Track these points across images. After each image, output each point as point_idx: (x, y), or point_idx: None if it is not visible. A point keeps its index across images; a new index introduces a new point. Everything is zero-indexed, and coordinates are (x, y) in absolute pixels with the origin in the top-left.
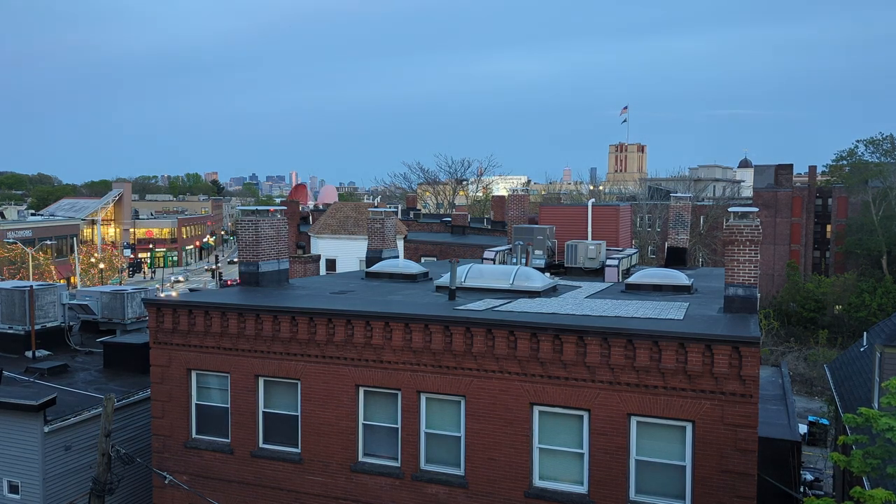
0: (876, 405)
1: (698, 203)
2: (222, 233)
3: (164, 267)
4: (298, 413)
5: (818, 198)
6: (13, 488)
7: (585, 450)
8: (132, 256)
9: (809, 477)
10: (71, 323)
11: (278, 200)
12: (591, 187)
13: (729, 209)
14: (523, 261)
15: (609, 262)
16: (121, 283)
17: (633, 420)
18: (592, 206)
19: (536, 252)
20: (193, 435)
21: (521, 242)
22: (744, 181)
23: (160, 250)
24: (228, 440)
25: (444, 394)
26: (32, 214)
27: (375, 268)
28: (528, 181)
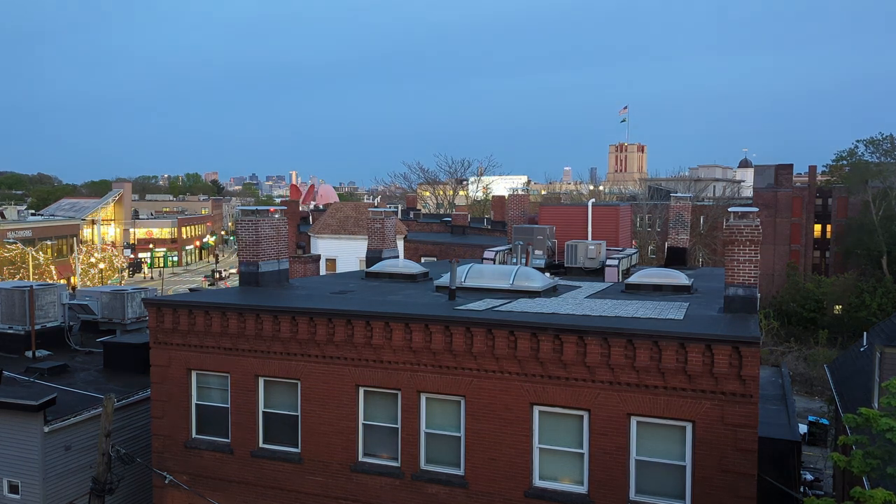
0: (876, 405)
1: (698, 203)
2: (223, 233)
3: (163, 267)
4: (298, 413)
5: (818, 198)
6: (13, 488)
7: (585, 450)
8: (132, 256)
9: (809, 477)
10: (71, 323)
11: (278, 200)
12: (591, 187)
13: (729, 209)
14: (523, 261)
15: (609, 262)
16: (121, 284)
17: (633, 420)
18: (592, 206)
19: (536, 252)
20: (193, 435)
21: (521, 242)
22: (744, 181)
23: (160, 250)
24: (228, 440)
25: (444, 394)
26: (32, 214)
27: (375, 268)
28: (528, 181)
